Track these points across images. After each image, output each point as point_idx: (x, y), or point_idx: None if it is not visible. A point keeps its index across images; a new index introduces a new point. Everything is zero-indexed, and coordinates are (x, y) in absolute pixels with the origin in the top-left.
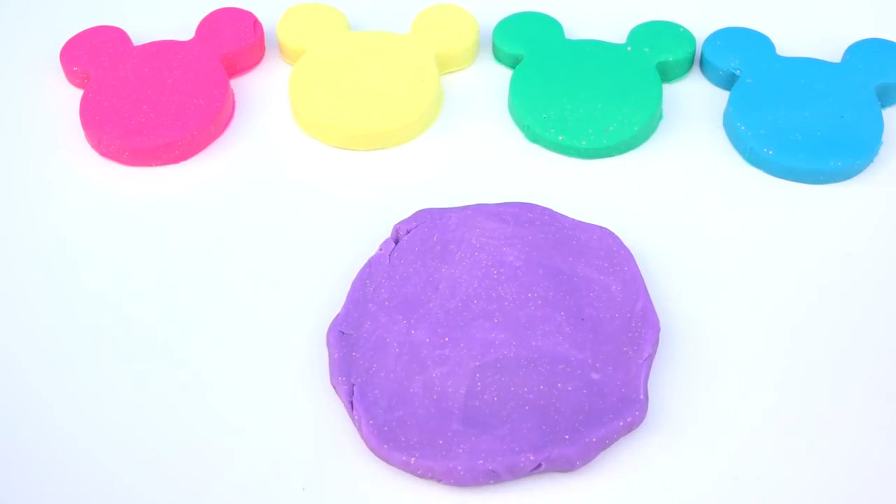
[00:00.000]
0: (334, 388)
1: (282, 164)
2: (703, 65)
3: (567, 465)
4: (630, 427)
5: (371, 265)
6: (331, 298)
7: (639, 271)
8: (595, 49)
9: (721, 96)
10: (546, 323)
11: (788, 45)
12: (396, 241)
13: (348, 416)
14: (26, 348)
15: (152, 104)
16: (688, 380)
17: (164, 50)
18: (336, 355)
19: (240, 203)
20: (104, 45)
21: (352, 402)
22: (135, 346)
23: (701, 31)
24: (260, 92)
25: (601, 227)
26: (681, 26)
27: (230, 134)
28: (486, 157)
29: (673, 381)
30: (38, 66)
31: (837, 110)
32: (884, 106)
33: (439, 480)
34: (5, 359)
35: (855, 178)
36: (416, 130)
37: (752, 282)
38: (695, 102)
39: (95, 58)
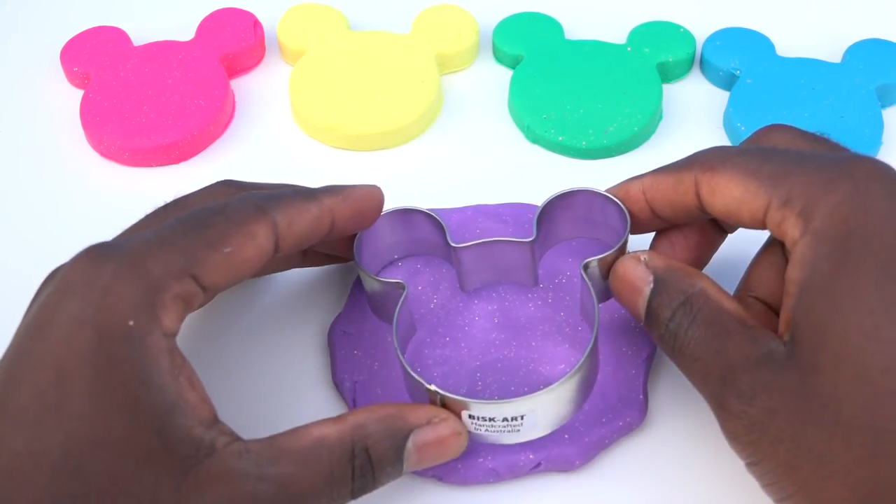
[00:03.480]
0: (336, 385)
1: (282, 164)
2: (703, 65)
3: (567, 465)
4: (629, 427)
5: None
6: (332, 298)
7: None
8: (595, 49)
9: (721, 96)
10: (546, 323)
11: (788, 45)
12: None
13: None
14: None
15: (152, 104)
16: (687, 380)
17: (164, 50)
18: (338, 354)
19: None
20: (104, 46)
21: (354, 400)
22: None
23: (701, 32)
24: (260, 92)
25: None
26: (681, 27)
27: (230, 134)
28: (487, 158)
29: (672, 382)
30: (39, 66)
31: (837, 110)
32: (883, 106)
33: (440, 479)
34: None
35: None
36: (416, 131)
37: None
38: (695, 103)
39: (96, 58)
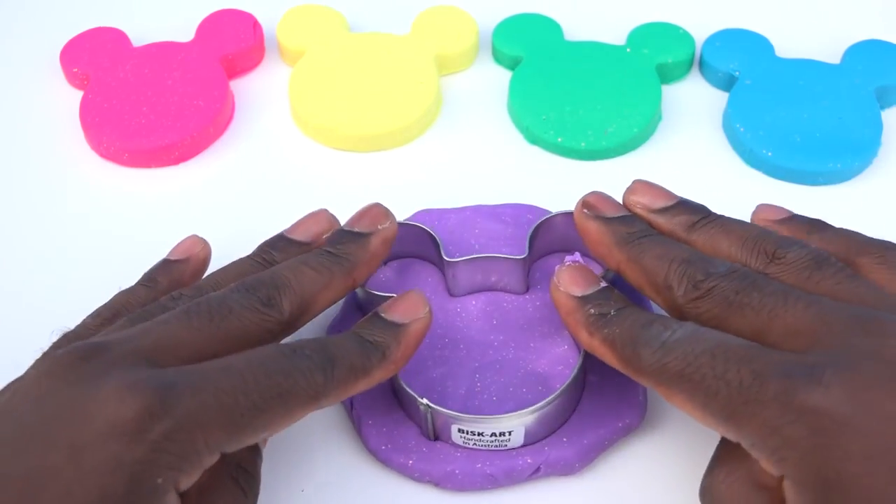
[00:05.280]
0: None
1: (281, 165)
2: (703, 66)
3: (566, 469)
4: (629, 429)
5: None
6: None
7: None
8: (594, 50)
9: (720, 98)
10: (545, 325)
11: (787, 46)
12: None
13: (348, 417)
14: (26, 349)
15: (152, 105)
16: None
17: (163, 51)
18: None
19: (240, 204)
20: (104, 47)
21: (352, 402)
22: None
23: (700, 33)
24: (259, 93)
25: None
26: (680, 28)
27: (230, 135)
28: (486, 159)
29: None
30: (38, 67)
31: (836, 112)
32: (882, 107)
33: (437, 485)
34: (5, 359)
35: (854, 180)
36: (415, 132)
37: None
38: (694, 104)
39: (95, 59)
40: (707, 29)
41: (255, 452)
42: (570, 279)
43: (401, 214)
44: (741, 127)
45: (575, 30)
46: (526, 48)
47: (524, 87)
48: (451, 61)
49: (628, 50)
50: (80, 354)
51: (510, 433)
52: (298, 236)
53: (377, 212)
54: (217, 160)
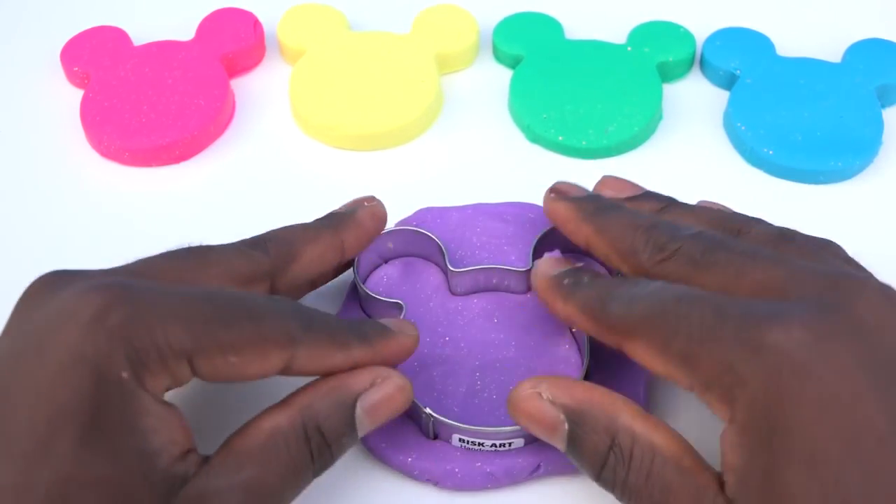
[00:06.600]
0: None
1: (282, 164)
2: (704, 65)
3: (566, 466)
4: None
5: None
6: (330, 297)
7: None
8: (595, 49)
9: (721, 96)
10: (546, 323)
11: (788, 45)
12: None
13: None
14: None
15: (153, 104)
16: None
17: (164, 50)
18: None
19: (240, 203)
20: (105, 46)
21: None
22: None
23: (701, 32)
24: (260, 92)
25: None
26: (681, 26)
27: (230, 134)
28: (487, 157)
29: (672, 383)
30: (39, 66)
31: (837, 110)
32: (883, 106)
33: (437, 484)
34: None
35: (855, 178)
36: (416, 130)
37: None
38: (695, 102)
39: (96, 58)
40: (708, 27)
41: (349, 426)
42: (547, 265)
43: (402, 213)
44: (742, 125)
45: (575, 28)
46: (526, 47)
47: (525, 86)
48: (451, 60)
49: (629, 48)
50: (51, 278)
51: (510, 444)
52: None
53: (362, 197)
54: (218, 159)
